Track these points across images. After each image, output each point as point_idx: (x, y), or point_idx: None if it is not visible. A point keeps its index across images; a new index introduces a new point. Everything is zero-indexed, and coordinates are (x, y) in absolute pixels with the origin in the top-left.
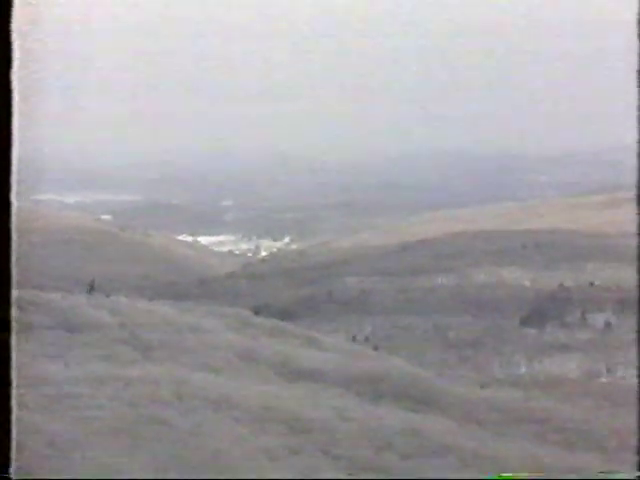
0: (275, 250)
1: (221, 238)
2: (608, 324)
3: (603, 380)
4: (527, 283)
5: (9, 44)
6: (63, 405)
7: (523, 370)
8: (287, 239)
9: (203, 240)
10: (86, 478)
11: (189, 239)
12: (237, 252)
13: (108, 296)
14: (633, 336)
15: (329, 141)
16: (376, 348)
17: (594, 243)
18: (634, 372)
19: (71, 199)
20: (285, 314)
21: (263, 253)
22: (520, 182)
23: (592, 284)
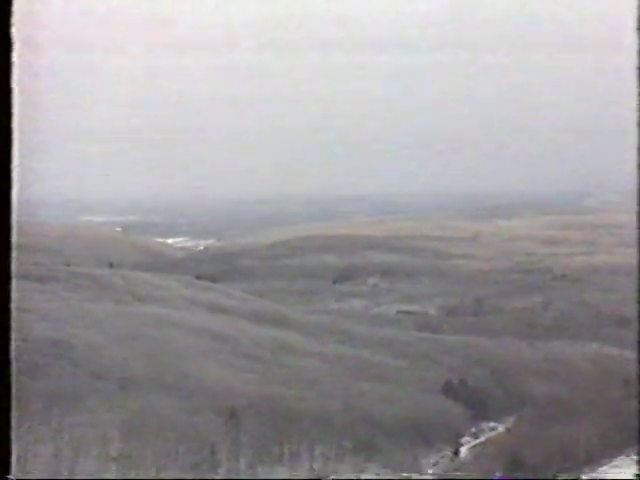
0: (207, 245)
1: (178, 239)
2: (376, 284)
3: (374, 311)
4: (337, 261)
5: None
6: (94, 326)
7: (334, 307)
8: (213, 240)
9: (169, 240)
10: (87, 478)
11: (162, 240)
12: (186, 247)
13: (120, 269)
14: (388, 288)
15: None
16: (260, 297)
17: (371, 241)
18: (390, 307)
19: (100, 219)
20: (212, 279)
21: (200, 247)
22: (334, 211)
23: (370, 262)
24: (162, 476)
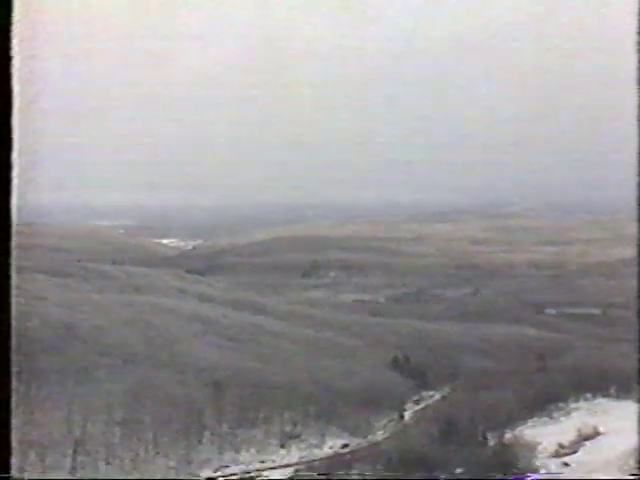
0: (196, 245)
1: (172, 240)
2: (336, 276)
3: (334, 300)
4: (304, 258)
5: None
6: (101, 312)
7: (301, 296)
8: (201, 240)
9: (164, 241)
10: (87, 478)
11: (157, 240)
12: (178, 246)
13: (122, 265)
14: (346, 281)
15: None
16: (240, 288)
17: (332, 242)
18: (347, 297)
19: (104, 223)
20: (199, 273)
21: (190, 247)
22: (302, 216)
23: (331, 259)
24: (158, 437)
